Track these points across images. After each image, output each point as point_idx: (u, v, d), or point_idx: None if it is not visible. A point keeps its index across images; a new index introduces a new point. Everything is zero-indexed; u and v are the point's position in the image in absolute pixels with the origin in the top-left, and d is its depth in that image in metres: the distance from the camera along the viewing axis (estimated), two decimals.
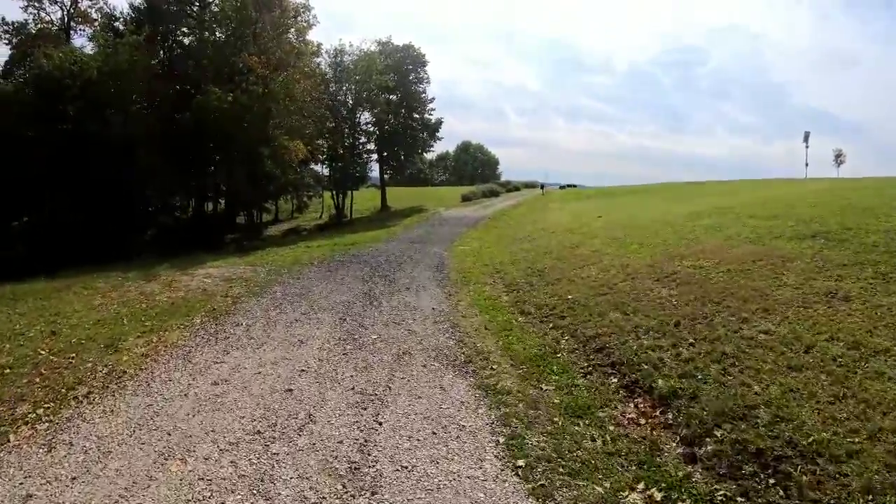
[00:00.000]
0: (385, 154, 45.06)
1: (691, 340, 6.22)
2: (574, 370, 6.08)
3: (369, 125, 43.12)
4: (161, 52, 29.69)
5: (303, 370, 5.99)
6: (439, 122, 44.75)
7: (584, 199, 39.82)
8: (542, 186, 49.73)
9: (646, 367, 5.79)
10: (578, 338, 7.16)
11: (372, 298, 9.94)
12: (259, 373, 5.96)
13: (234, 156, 25.70)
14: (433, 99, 44.76)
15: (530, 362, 6.33)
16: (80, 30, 32.06)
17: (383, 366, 6.15)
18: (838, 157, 62.38)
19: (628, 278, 9.62)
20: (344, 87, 38.25)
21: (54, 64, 25.15)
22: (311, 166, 42.22)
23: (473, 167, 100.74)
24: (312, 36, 36.23)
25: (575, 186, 55.44)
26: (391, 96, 43.30)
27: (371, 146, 43.01)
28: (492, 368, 6.04)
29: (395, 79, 40.08)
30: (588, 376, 5.92)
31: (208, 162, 27.73)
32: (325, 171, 42.76)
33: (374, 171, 46.39)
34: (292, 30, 30.82)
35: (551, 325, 7.92)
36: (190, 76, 28.44)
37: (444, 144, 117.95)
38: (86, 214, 24.24)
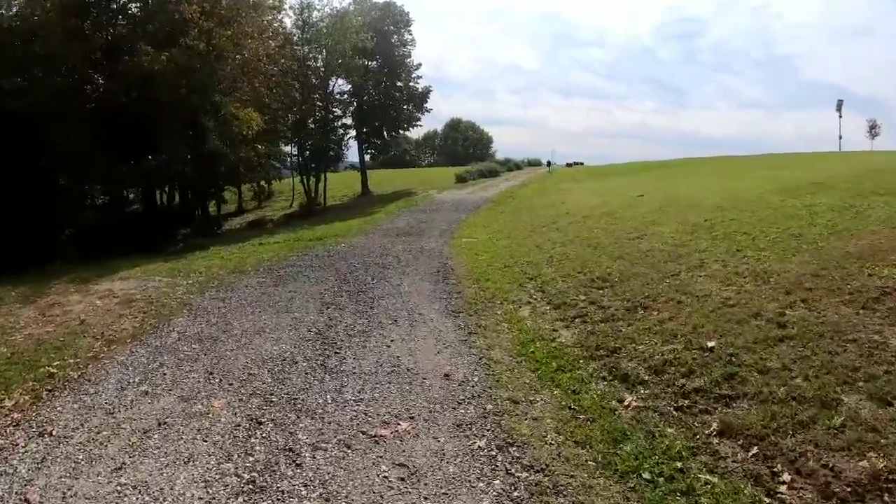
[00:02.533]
0: (364, 130, 40.40)
1: None
2: None
3: (344, 95, 38.42)
4: (91, 10, 24.86)
5: None
6: (427, 92, 39.99)
7: (598, 177, 35.61)
8: (549, 164, 45.26)
9: None
10: None
11: (329, 349, 5.74)
12: None
13: (173, 131, 21.10)
14: (419, 65, 39.94)
15: None
16: None
17: None
18: (872, 129, 58.39)
19: (798, 300, 5.52)
20: (313, 50, 33.45)
21: None
22: (282, 147, 37.26)
23: (464, 147, 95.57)
24: None
25: (582, 164, 51.07)
26: (370, 62, 38.62)
27: (347, 120, 38.34)
28: None
29: (373, 40, 35.29)
30: None
31: (150, 142, 22.98)
32: (294, 151, 37.94)
33: (354, 153, 41.80)
34: None
35: (729, 440, 3.74)
36: (122, 36, 23.72)
37: (432, 122, 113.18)
38: None
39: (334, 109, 37.10)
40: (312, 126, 35.45)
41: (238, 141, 21.21)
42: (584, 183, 29.33)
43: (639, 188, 20.88)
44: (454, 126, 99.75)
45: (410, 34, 39.68)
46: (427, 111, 40.30)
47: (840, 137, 48.56)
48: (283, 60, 30.08)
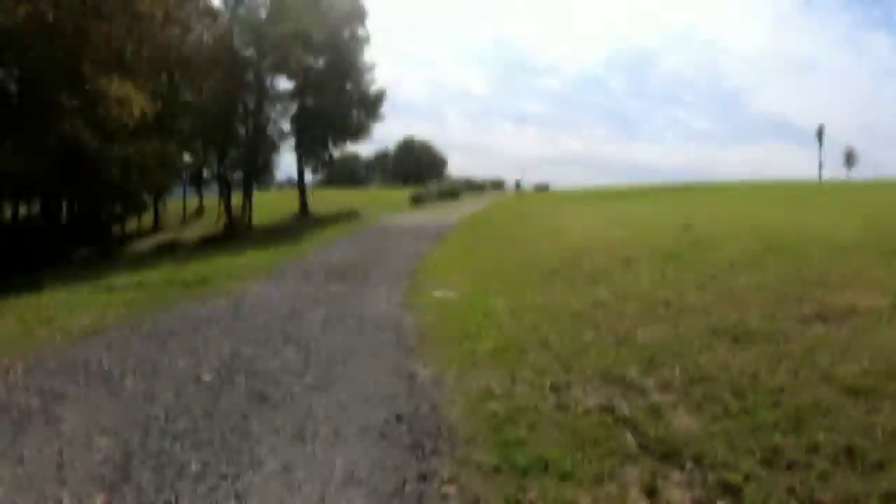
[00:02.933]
0: (306, 139, 35.54)
1: None
2: None
3: (283, 94, 33.63)
4: None
5: None
6: (381, 95, 35.40)
7: (576, 202, 31.66)
8: (518, 185, 41.27)
9: None
10: None
11: None
12: None
13: (29, 113, 15.71)
14: (374, 65, 35.57)
15: None
16: None
17: None
18: (849, 158, 58.29)
19: None
20: (243, 33, 28.56)
21: None
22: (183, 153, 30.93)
23: (418, 167, 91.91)
24: None
25: (547, 186, 47.58)
26: (316, 59, 34.22)
27: (284, 125, 33.48)
28: None
29: (321, 30, 30.86)
30: None
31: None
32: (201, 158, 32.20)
33: (292, 168, 36.68)
34: None
35: None
36: None
37: (383, 141, 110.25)
38: None
39: (270, 110, 32.24)
40: (244, 130, 30.40)
41: (113, 130, 15.87)
42: (568, 207, 25.27)
43: (644, 213, 16.97)
44: (407, 146, 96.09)
45: (365, 29, 35.48)
46: (380, 118, 35.85)
47: (820, 166, 48.38)
48: (204, 34, 25.26)
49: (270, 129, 31.85)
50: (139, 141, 16.56)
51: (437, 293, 8.72)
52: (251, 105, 31.32)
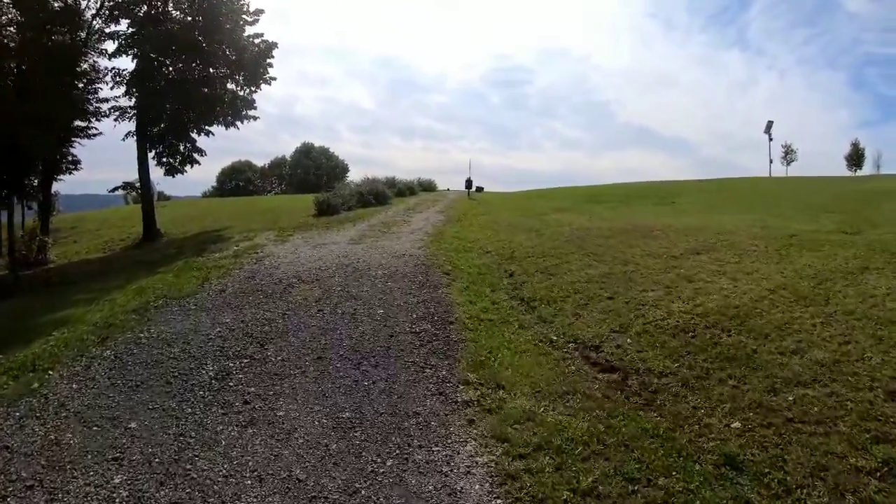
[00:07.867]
0: (156, 125, 20.78)
1: None
2: None
3: (121, 52, 19.01)
4: None
5: None
6: (269, 48, 21.15)
7: (566, 209, 19.54)
8: (470, 185, 28.65)
9: None
10: None
11: None
12: None
13: None
14: (260, 12, 21.28)
15: None
16: None
17: None
18: (788, 155, 52.97)
19: None
20: None
21: None
22: None
23: (317, 175, 75.82)
24: None
25: (482, 189, 35.84)
26: (175, 9, 19.91)
27: (114, 93, 18.76)
28: None
29: None
30: None
31: None
32: None
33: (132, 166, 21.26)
34: None
35: None
36: None
37: (280, 148, 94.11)
38: None
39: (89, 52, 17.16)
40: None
41: None
42: (578, 214, 13.10)
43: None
44: (306, 152, 79.66)
45: None
46: (269, 80, 21.51)
47: (770, 161, 41.98)
48: None
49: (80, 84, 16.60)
50: None
51: None
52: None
